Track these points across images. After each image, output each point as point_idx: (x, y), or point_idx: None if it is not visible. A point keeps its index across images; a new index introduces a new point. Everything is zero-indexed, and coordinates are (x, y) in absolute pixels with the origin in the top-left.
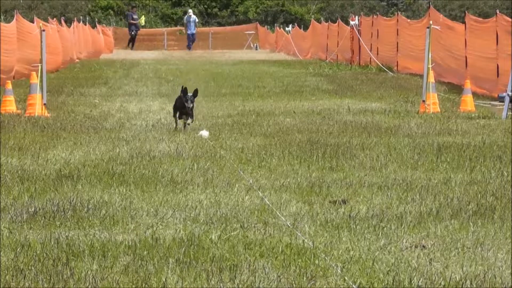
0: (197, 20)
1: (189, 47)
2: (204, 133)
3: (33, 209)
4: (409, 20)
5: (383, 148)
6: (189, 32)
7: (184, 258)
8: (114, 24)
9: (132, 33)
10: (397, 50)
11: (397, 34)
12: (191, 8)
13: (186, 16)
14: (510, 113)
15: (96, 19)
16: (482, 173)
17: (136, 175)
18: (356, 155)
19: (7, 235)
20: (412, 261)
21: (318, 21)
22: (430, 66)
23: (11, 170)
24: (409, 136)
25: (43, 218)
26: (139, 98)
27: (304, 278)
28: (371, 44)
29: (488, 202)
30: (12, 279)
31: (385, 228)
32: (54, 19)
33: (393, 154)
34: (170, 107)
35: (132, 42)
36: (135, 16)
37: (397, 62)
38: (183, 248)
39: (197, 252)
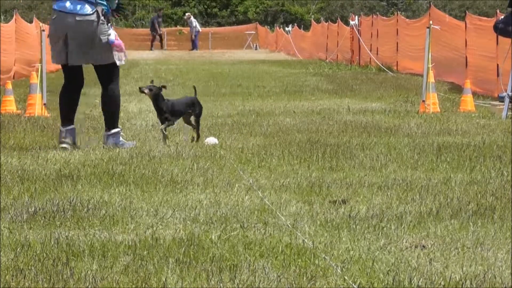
0: (199, 29)
1: (193, 48)
2: (212, 140)
3: (33, 209)
4: (407, 20)
5: (383, 148)
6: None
7: (184, 258)
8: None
9: (153, 33)
10: (397, 50)
11: (397, 34)
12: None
13: (189, 21)
14: (510, 113)
15: None
16: (482, 173)
17: (136, 175)
18: (356, 155)
19: (7, 235)
20: (412, 261)
21: (318, 21)
22: (430, 66)
23: (11, 170)
24: (409, 136)
25: (43, 218)
26: (139, 98)
27: (304, 278)
28: (371, 44)
29: (488, 202)
30: (12, 279)
31: (385, 228)
32: None
33: (393, 154)
34: None
35: (151, 43)
36: (159, 19)
37: (397, 62)
38: (183, 248)
39: (197, 252)
